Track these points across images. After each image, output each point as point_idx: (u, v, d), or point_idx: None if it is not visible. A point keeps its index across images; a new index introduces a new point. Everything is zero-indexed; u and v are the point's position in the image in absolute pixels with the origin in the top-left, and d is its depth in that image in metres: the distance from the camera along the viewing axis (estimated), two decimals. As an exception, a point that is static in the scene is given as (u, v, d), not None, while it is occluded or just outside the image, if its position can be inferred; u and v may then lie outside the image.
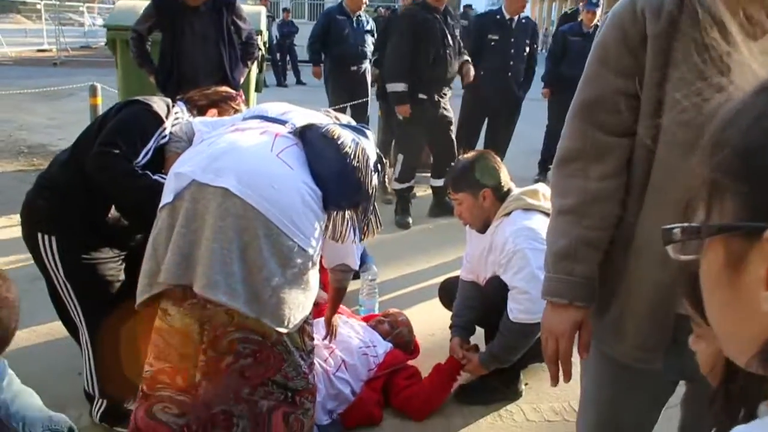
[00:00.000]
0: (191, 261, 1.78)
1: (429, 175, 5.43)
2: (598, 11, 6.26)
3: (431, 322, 3.34)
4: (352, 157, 1.91)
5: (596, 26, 6.10)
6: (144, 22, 4.29)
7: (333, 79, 6.11)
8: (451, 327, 2.92)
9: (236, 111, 2.58)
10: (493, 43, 5.40)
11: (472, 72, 5.06)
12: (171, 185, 1.86)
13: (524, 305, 2.50)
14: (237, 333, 1.86)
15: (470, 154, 2.89)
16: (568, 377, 1.45)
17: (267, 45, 6.93)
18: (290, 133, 1.97)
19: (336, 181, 1.93)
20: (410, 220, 5.15)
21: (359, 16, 6.40)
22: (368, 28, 6.19)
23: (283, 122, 2.04)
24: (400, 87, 4.84)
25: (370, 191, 2.01)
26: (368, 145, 2.03)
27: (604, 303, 1.42)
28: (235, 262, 1.74)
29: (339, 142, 1.90)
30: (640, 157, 1.32)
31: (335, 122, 2.09)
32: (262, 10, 6.40)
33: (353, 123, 2.39)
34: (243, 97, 2.74)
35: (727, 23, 1.19)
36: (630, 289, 1.37)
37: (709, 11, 1.19)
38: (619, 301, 1.40)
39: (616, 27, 1.31)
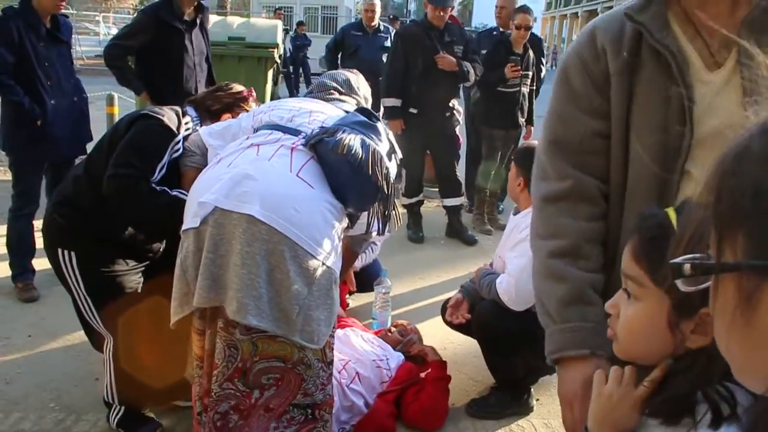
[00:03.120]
0: (221, 284, 1.83)
1: (437, 189, 5.45)
2: None
3: (443, 337, 3.36)
4: (366, 166, 1.94)
5: None
6: (133, 38, 4.08)
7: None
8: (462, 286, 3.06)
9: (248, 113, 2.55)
10: None
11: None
12: (194, 209, 1.89)
13: (508, 293, 2.64)
14: (261, 363, 1.91)
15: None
16: None
17: (282, 58, 7.00)
18: (303, 145, 1.99)
19: (354, 192, 1.98)
20: (422, 234, 5.18)
21: (379, 31, 6.50)
22: (387, 44, 6.25)
23: (295, 131, 2.05)
24: (391, 102, 4.99)
25: (389, 189, 2.05)
26: (380, 141, 2.05)
27: None
28: (263, 285, 1.79)
29: (351, 156, 1.92)
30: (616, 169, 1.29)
31: (343, 120, 2.09)
32: (278, 24, 6.48)
33: (360, 89, 2.46)
34: (254, 94, 2.68)
35: (687, 56, 1.18)
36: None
37: (668, 48, 1.17)
38: None
39: (579, 63, 1.27)
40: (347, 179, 1.95)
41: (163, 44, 4.07)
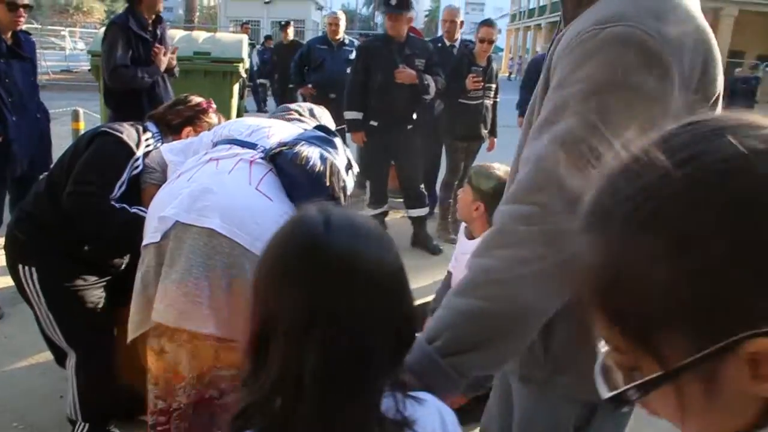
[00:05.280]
0: (175, 299, 1.84)
1: (402, 200, 5.52)
2: None
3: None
4: (323, 177, 1.97)
5: None
6: (125, 52, 4.15)
7: (313, 106, 6.26)
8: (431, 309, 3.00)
9: (209, 124, 2.59)
10: None
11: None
12: (154, 224, 1.91)
13: None
14: (221, 371, 1.92)
15: (501, 168, 2.97)
16: None
17: (248, 72, 7.05)
18: (262, 158, 2.02)
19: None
20: (387, 244, 5.24)
21: (344, 44, 6.58)
22: (352, 57, 6.33)
23: (253, 145, 2.07)
24: (353, 115, 5.09)
25: (345, 199, 2.08)
26: (337, 155, 2.09)
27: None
28: (222, 295, 1.81)
29: (308, 167, 1.95)
30: None
31: (302, 134, 2.13)
32: (244, 38, 6.53)
33: (322, 118, 2.47)
34: (213, 105, 2.71)
35: None
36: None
37: None
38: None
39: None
40: (305, 190, 1.98)
41: (135, 56, 4.15)
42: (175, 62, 4.48)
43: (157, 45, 4.30)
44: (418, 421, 0.90)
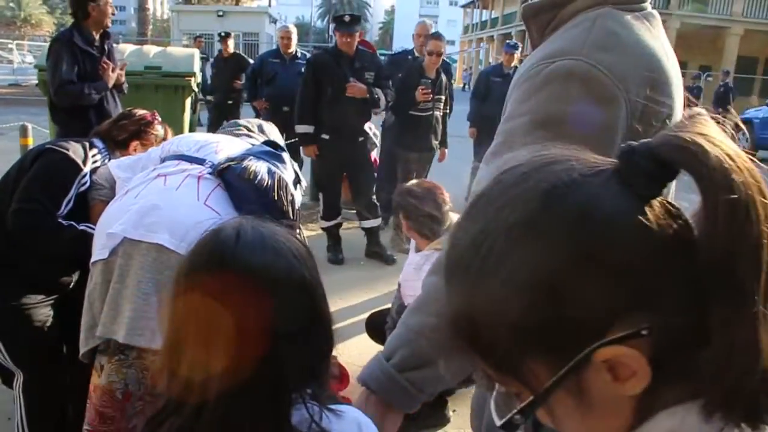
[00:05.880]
0: (124, 315, 1.85)
1: (355, 211, 5.57)
2: (516, 53, 6.69)
3: (363, 355, 3.44)
4: (271, 191, 1.98)
5: (515, 67, 6.50)
6: (70, 68, 4.10)
7: (267, 119, 6.26)
8: (387, 328, 3.06)
9: (156, 136, 2.60)
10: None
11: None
12: (102, 241, 1.91)
13: None
14: None
15: (418, 184, 3.08)
16: None
17: (200, 86, 7.03)
18: (210, 173, 2.03)
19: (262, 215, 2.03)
20: (342, 256, 5.28)
21: (296, 58, 6.62)
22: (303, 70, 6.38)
23: (201, 161, 2.08)
24: (304, 128, 5.11)
25: (294, 214, 2.09)
26: (285, 169, 2.11)
27: None
28: None
29: (257, 181, 1.96)
30: None
31: (250, 150, 2.15)
32: (195, 52, 6.51)
33: (271, 134, 2.49)
34: (158, 117, 2.70)
35: None
36: None
37: None
38: None
39: None
40: (254, 205, 1.98)
41: (81, 71, 4.10)
42: (123, 78, 4.45)
43: (105, 60, 4.27)
44: None
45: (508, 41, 7.26)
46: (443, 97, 5.59)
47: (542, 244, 0.54)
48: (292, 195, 2.09)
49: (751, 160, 0.54)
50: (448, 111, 5.81)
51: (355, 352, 3.49)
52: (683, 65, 26.35)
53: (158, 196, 1.95)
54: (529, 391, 0.58)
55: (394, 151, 5.67)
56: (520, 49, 6.93)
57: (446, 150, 5.88)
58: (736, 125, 0.59)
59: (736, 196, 0.51)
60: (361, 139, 5.24)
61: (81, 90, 4.11)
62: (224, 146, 2.18)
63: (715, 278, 0.52)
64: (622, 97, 1.04)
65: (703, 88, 18.00)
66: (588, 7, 1.13)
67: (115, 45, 4.77)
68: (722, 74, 17.29)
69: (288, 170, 2.15)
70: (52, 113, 4.40)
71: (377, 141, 5.83)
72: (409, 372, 1.09)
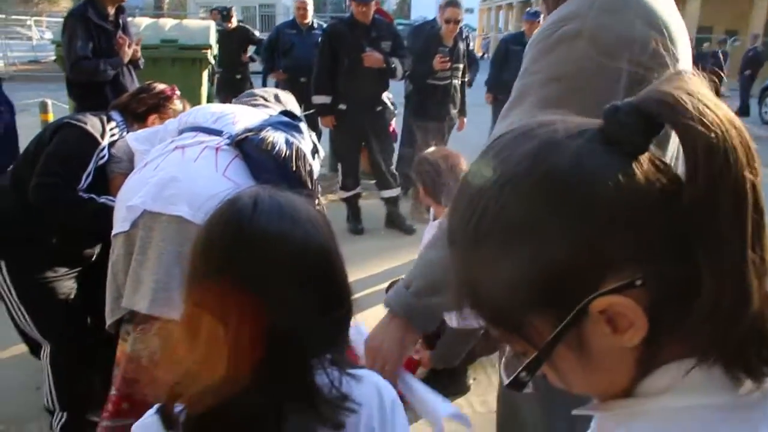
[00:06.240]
0: (146, 287, 1.86)
1: (374, 182, 5.56)
2: (539, 20, 6.55)
3: (383, 325, 3.47)
4: (290, 161, 1.99)
5: None
6: (85, 43, 4.10)
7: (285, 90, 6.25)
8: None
9: (174, 111, 2.60)
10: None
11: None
12: (123, 214, 1.92)
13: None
14: None
15: (434, 151, 3.07)
16: None
17: (216, 58, 7.00)
18: (228, 144, 2.03)
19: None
20: (362, 226, 5.29)
21: (312, 28, 6.56)
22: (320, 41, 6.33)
23: (219, 132, 2.09)
24: (321, 99, 5.10)
25: (312, 183, 2.09)
26: (303, 139, 2.10)
27: None
28: None
29: (275, 152, 1.97)
30: None
31: (267, 120, 2.14)
32: (211, 24, 6.49)
33: (287, 103, 2.48)
34: (177, 92, 2.74)
35: None
36: None
37: None
38: None
39: None
40: (272, 175, 1.98)
41: (96, 47, 4.09)
42: (139, 53, 4.45)
43: (121, 36, 4.26)
44: (355, 397, 0.94)
45: (528, 9, 7.10)
46: (461, 66, 5.52)
47: (530, 202, 0.56)
48: (310, 165, 2.08)
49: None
50: (467, 79, 5.73)
51: (375, 321, 3.50)
52: (709, 30, 25.76)
53: (177, 168, 1.96)
54: (532, 348, 0.60)
55: (413, 121, 5.62)
56: (541, 17, 6.80)
57: (465, 119, 5.82)
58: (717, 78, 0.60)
59: (713, 141, 0.52)
60: (379, 108, 5.21)
61: (96, 66, 4.11)
62: (241, 117, 2.17)
63: (698, 225, 0.53)
64: (625, 58, 1.11)
65: (730, 53, 17.56)
66: None
67: (130, 19, 4.76)
68: (751, 38, 16.78)
69: (306, 140, 2.14)
70: (68, 88, 4.42)
71: (396, 111, 5.79)
72: (425, 298, 1.26)
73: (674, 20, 1.20)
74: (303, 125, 2.20)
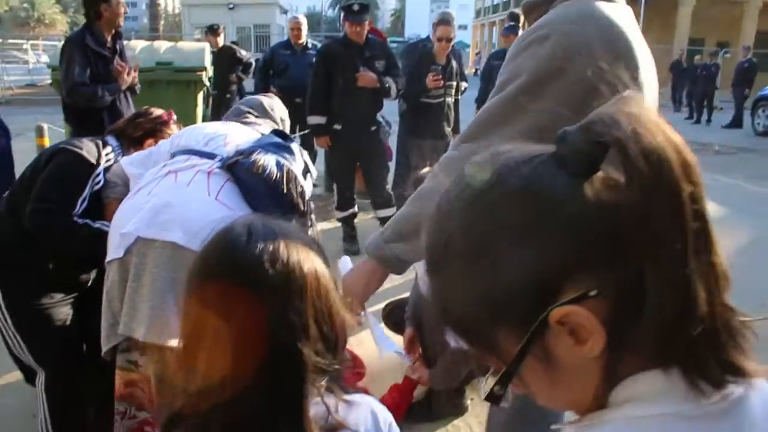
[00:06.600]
0: (143, 313, 1.86)
1: (370, 201, 5.55)
2: (518, 33, 6.61)
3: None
4: (281, 184, 1.99)
5: None
6: (80, 70, 4.14)
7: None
8: (405, 318, 3.05)
9: (170, 136, 2.56)
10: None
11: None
12: (117, 240, 1.92)
13: None
14: None
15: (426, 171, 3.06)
16: None
17: (211, 80, 7.03)
18: (220, 168, 2.03)
19: (272, 210, 2.02)
20: (358, 246, 5.28)
21: (307, 49, 6.61)
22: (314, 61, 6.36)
23: (211, 155, 2.09)
24: (316, 120, 5.12)
25: (304, 204, 2.09)
26: (294, 160, 2.10)
27: None
28: None
29: (266, 175, 1.97)
30: None
31: (259, 141, 2.15)
32: (206, 47, 6.53)
33: (274, 110, 2.50)
34: (174, 117, 2.75)
35: None
36: None
37: None
38: None
39: None
40: (264, 198, 2.00)
41: (93, 72, 4.13)
42: (137, 79, 4.48)
43: (120, 63, 4.30)
44: (350, 422, 0.94)
45: (506, 25, 7.11)
46: (455, 83, 5.55)
47: (487, 223, 0.61)
48: (301, 186, 2.08)
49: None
50: (459, 97, 5.75)
51: (371, 343, 3.49)
52: (700, 42, 25.99)
53: (170, 193, 1.96)
54: (503, 362, 0.62)
55: (407, 140, 5.62)
56: (519, 31, 6.85)
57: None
58: None
59: (648, 155, 0.56)
60: (373, 128, 5.21)
61: (94, 92, 4.14)
62: (233, 138, 2.18)
63: (640, 235, 0.56)
64: (581, 63, 1.27)
65: (721, 66, 17.68)
66: None
67: (125, 42, 4.79)
68: (743, 50, 16.91)
69: (297, 161, 2.15)
70: (65, 113, 4.45)
71: (390, 129, 5.80)
72: (392, 244, 1.49)
73: (637, 41, 1.37)
74: (294, 145, 2.20)
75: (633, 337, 0.58)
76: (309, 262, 0.96)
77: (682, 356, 0.58)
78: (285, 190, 2.01)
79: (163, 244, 1.86)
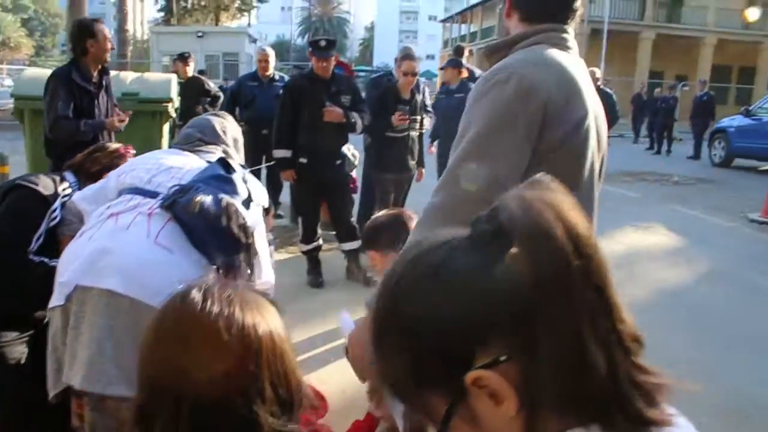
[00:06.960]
0: (80, 362, 1.84)
1: (335, 233, 5.58)
2: (463, 68, 6.83)
3: (343, 380, 3.45)
4: (219, 220, 1.98)
5: (462, 81, 6.61)
6: (66, 104, 4.13)
7: (247, 142, 6.25)
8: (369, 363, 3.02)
9: None
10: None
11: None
12: (57, 288, 1.91)
13: None
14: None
15: (383, 213, 3.04)
16: None
17: (178, 111, 7.01)
18: (161, 207, 2.00)
19: (214, 246, 2.00)
20: (322, 279, 5.29)
21: (274, 80, 6.65)
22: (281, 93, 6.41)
23: (154, 194, 2.07)
24: (282, 153, 5.16)
25: (247, 237, 2.06)
26: (234, 192, 2.09)
27: None
28: (129, 354, 1.74)
29: (203, 212, 1.95)
30: None
31: (200, 175, 2.13)
32: (172, 78, 6.52)
33: (226, 129, 2.50)
34: (132, 150, 2.75)
35: None
36: None
37: None
38: None
39: None
40: (205, 236, 1.98)
41: (77, 107, 4.15)
42: (125, 123, 4.58)
43: (121, 117, 4.45)
44: None
45: (449, 58, 7.20)
46: (419, 117, 5.64)
47: (408, 298, 0.68)
48: (243, 219, 2.05)
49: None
50: (424, 131, 5.85)
51: (336, 377, 3.49)
52: (660, 75, 26.73)
53: (109, 238, 1.94)
54: (435, 423, 0.68)
55: (372, 173, 5.69)
56: (464, 63, 7.00)
57: (423, 169, 5.93)
58: None
59: (535, 235, 0.62)
60: (338, 162, 5.27)
61: (77, 126, 4.14)
62: (176, 172, 2.16)
63: (537, 308, 0.62)
64: (544, 97, 1.45)
65: (679, 99, 18.20)
66: (530, 45, 1.60)
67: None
68: (699, 84, 17.48)
69: (240, 192, 2.13)
70: (46, 148, 4.41)
71: (356, 162, 5.86)
72: None
73: (582, 85, 1.54)
74: (236, 175, 2.18)
75: (544, 397, 0.64)
76: (264, 324, 0.98)
77: (593, 414, 0.64)
78: (225, 226, 1.99)
79: (100, 292, 1.83)
